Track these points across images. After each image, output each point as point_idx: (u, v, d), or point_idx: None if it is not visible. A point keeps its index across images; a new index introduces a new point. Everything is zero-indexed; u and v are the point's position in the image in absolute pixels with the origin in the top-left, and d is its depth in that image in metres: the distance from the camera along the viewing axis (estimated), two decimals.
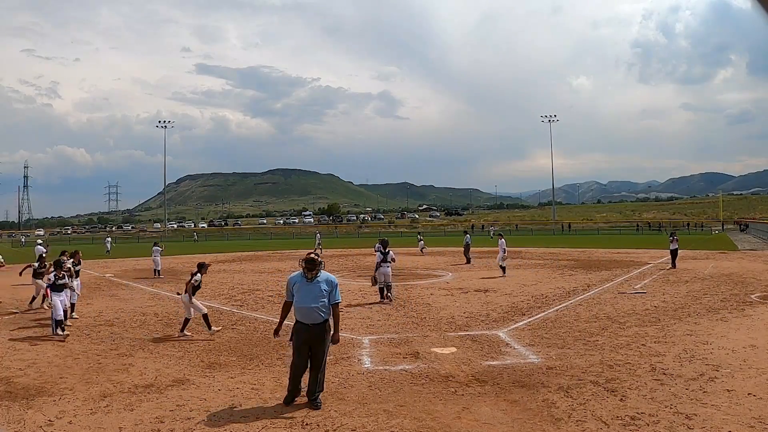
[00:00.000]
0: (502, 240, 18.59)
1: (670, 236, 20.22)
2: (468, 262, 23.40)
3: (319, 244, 34.07)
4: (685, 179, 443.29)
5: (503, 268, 17.85)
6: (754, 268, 18.26)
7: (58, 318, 9.32)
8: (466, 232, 27.97)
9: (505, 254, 18.34)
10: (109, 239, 40.94)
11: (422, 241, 31.47)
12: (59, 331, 9.25)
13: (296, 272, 5.90)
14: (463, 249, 24.60)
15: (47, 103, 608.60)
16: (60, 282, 9.75)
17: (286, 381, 6.58)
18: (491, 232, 54.31)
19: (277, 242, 53.26)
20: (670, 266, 18.99)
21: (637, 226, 66.94)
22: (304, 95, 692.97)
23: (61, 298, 9.62)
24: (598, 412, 5.25)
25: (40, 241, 23.44)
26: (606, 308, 11.17)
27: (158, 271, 20.24)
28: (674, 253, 19.50)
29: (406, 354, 7.70)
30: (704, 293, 12.86)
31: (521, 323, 9.87)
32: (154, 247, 20.89)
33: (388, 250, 13.26)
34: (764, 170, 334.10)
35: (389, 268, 12.93)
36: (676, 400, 5.53)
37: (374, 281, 13.07)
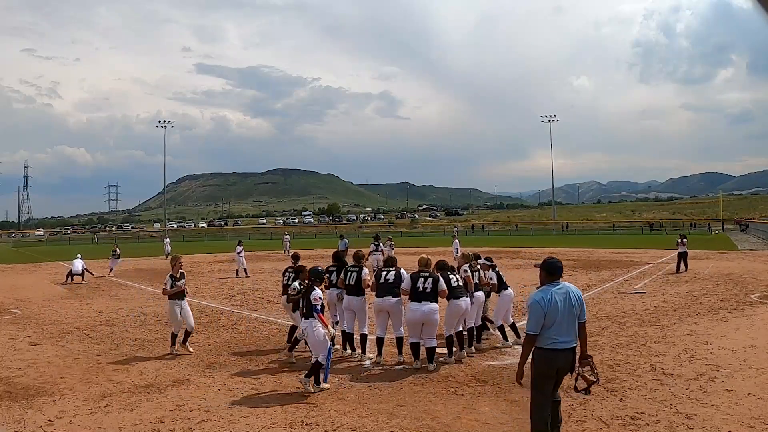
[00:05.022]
0: (456, 240, 22.01)
1: (680, 237, 18.66)
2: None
3: (287, 247, 32.18)
4: (685, 179, 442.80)
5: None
6: (754, 268, 18.24)
7: (321, 362, 6.15)
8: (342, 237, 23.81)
9: (458, 253, 19.55)
10: (168, 239, 34.27)
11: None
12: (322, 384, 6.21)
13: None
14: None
15: (47, 103, 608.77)
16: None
17: (286, 381, 6.59)
18: (455, 232, 45.56)
19: (277, 242, 53.29)
20: (683, 269, 17.51)
21: (613, 226, 66.02)
22: (304, 95, 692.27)
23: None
24: (598, 412, 5.25)
25: (79, 255, 19.69)
26: (606, 308, 11.17)
27: (245, 270, 19.63)
28: (682, 256, 17.98)
29: (405, 354, 7.69)
30: (704, 293, 12.86)
31: (521, 323, 9.84)
32: (238, 247, 20.27)
33: (379, 243, 19.31)
34: (764, 170, 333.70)
35: (380, 255, 18.06)
36: (676, 400, 5.53)
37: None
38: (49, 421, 5.29)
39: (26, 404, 5.80)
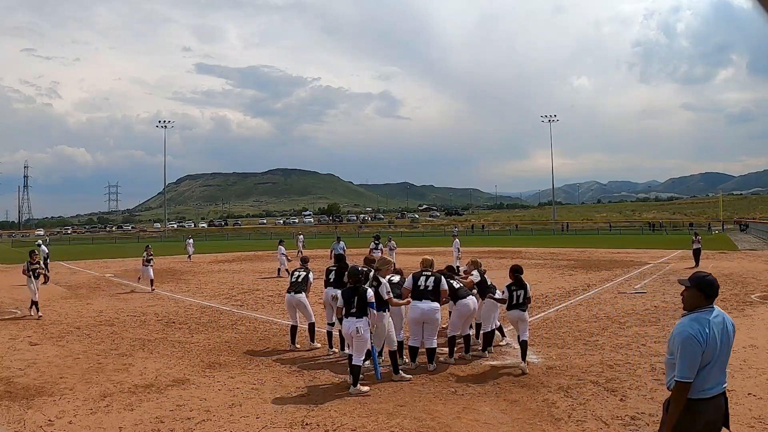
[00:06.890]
0: (456, 240, 22.00)
1: (694, 236, 20.60)
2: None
3: (302, 248, 29.42)
4: (685, 179, 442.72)
5: (458, 268, 17.99)
6: (754, 268, 18.24)
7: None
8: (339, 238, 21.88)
9: (459, 254, 20.56)
10: (191, 240, 30.98)
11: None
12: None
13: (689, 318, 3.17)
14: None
15: (47, 102, 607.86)
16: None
17: (286, 381, 6.59)
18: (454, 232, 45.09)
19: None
20: (694, 265, 19.06)
21: (610, 226, 65.41)
22: (304, 95, 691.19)
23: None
24: (598, 412, 5.25)
25: (39, 241, 20.93)
26: (606, 308, 11.17)
27: (287, 269, 18.96)
28: (697, 253, 19.82)
29: (405, 354, 7.69)
30: None
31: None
32: (280, 246, 20.12)
33: (379, 243, 19.90)
34: (764, 170, 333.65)
35: (379, 253, 18.23)
36: None
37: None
38: (49, 421, 5.29)
39: (26, 404, 5.80)
